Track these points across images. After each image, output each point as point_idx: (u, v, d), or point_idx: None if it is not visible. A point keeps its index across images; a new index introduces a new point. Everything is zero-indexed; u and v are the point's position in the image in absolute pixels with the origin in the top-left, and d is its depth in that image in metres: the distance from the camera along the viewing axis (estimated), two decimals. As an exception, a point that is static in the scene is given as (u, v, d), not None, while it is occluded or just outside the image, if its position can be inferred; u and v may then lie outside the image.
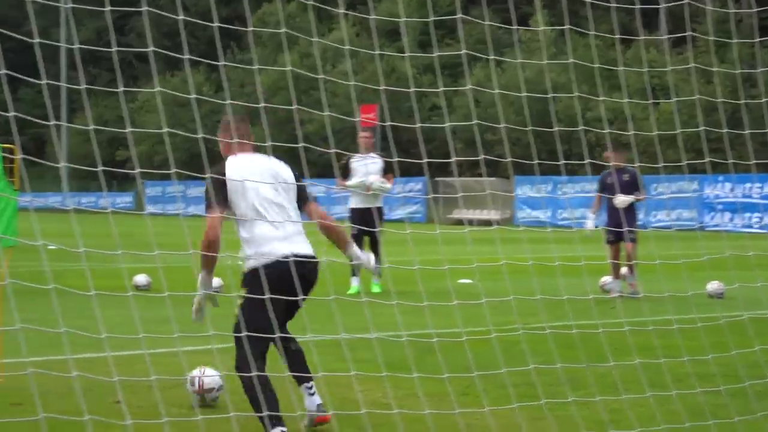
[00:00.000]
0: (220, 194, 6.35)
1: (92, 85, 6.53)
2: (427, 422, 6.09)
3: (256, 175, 6.46)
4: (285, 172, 6.67)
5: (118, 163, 65.01)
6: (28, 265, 11.39)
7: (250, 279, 6.32)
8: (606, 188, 15.75)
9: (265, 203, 6.47)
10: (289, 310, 6.49)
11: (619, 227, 14.98)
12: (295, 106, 5.95)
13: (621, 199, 15.34)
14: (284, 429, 5.99)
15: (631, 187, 15.55)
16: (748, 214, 39.61)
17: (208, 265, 6.30)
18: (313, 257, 6.52)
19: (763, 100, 7.88)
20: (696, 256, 11.02)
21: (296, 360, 6.65)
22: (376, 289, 15.44)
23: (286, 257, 6.28)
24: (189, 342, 9.36)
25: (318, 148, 7.21)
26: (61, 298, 5.80)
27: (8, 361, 8.10)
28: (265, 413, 5.91)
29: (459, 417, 6.40)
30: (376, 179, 15.59)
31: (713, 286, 15.39)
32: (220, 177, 6.38)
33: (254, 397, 5.98)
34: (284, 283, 6.23)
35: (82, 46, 5.55)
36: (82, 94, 5.80)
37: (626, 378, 8.13)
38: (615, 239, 15.74)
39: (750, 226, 38.85)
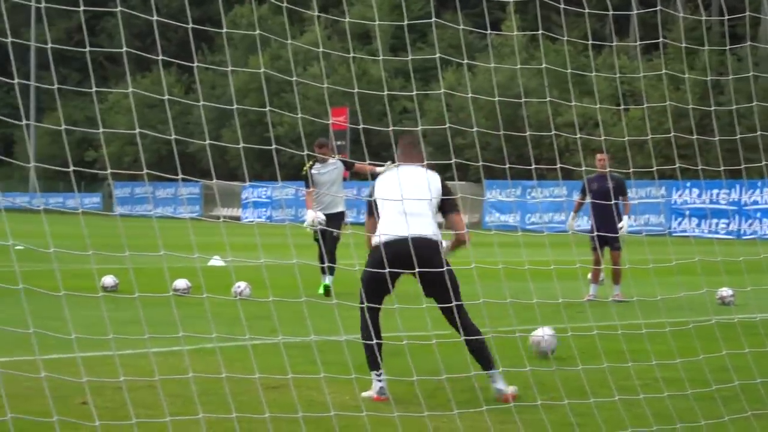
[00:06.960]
0: None
1: (62, 86, 6.51)
2: (396, 425, 6.10)
3: None
4: None
5: (87, 163, 64.75)
6: (-3, 265, 11.32)
7: None
8: (590, 194, 15.22)
9: None
10: None
11: (604, 233, 14.78)
12: (267, 108, 5.95)
13: (625, 227, 15.36)
14: None
15: (617, 192, 14.90)
16: (715, 220, 39.86)
17: None
18: None
19: (733, 107, 7.94)
20: (665, 261, 11.07)
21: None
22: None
23: None
24: (158, 343, 9.32)
25: (289, 150, 7.21)
26: (29, 299, 5.77)
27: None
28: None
29: (427, 419, 6.41)
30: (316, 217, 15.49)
31: (726, 291, 14.56)
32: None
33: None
34: None
35: (55, 46, 5.53)
36: (54, 93, 5.80)
37: (594, 382, 8.18)
38: (599, 245, 15.59)
39: (717, 232, 39.09)
